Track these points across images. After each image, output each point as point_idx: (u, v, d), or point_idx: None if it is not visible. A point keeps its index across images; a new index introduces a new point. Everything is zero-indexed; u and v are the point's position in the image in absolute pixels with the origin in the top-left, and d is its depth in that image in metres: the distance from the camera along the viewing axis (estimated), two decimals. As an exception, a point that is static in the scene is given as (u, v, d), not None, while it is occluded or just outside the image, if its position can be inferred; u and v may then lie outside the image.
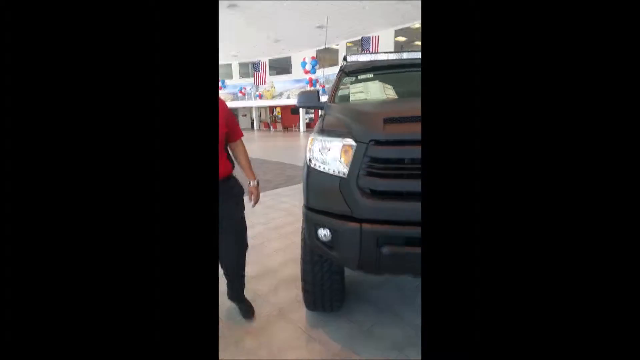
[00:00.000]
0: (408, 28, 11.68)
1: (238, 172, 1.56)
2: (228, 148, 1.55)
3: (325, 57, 12.93)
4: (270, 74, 16.65)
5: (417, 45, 12.06)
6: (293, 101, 16.36)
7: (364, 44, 10.61)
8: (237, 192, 1.55)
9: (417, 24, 11.37)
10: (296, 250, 2.40)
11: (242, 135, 1.60)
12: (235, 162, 1.58)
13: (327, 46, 13.93)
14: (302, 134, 16.65)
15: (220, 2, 8.39)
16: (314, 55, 12.40)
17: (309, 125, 18.08)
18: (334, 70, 13.69)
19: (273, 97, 17.03)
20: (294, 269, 2.09)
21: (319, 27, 11.37)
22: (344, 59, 2.50)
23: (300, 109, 18.10)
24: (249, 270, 1.92)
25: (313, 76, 13.99)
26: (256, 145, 11.25)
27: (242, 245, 1.61)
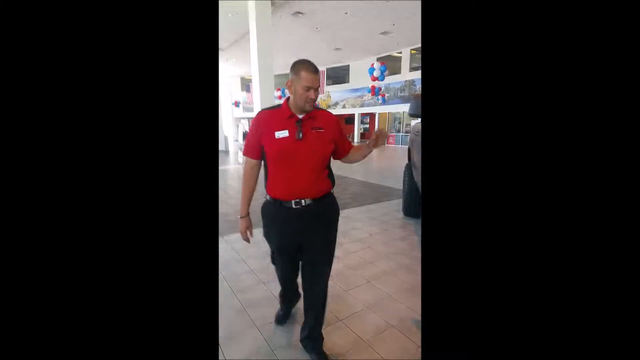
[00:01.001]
0: None
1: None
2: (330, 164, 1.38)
3: (387, 65, 12.26)
4: (326, 84, 16.47)
5: None
6: (349, 111, 16.16)
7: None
8: (334, 209, 1.38)
9: None
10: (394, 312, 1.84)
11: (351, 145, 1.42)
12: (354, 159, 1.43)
13: (389, 54, 13.15)
14: (356, 144, 16.15)
15: (285, 9, 8.30)
16: (374, 63, 11.77)
17: (363, 136, 17.19)
18: (396, 79, 13.05)
19: (328, 106, 16.78)
20: (395, 343, 1.56)
21: (382, 33, 10.74)
22: None
23: (356, 119, 16.48)
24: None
25: (376, 84, 12.96)
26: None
27: (329, 269, 1.42)
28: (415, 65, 12.65)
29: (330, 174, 1.37)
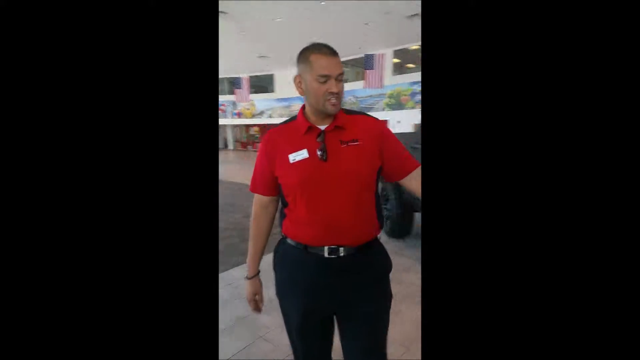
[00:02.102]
0: (405, 49, 11.19)
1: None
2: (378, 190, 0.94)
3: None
4: (250, 92, 15.62)
5: (410, 68, 11.54)
6: (276, 120, 15.35)
7: (367, 63, 9.85)
8: (385, 263, 0.97)
9: (415, 46, 10.90)
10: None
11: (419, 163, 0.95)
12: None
13: None
14: None
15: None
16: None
17: None
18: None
19: (253, 115, 15.91)
20: None
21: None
22: None
23: None
24: None
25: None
26: (237, 168, 10.03)
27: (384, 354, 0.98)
28: (346, 78, 12.96)
29: (379, 206, 0.94)
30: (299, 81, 0.87)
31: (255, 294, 1.03)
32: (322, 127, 0.88)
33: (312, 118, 0.89)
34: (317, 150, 0.86)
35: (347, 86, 12.26)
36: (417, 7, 7.10)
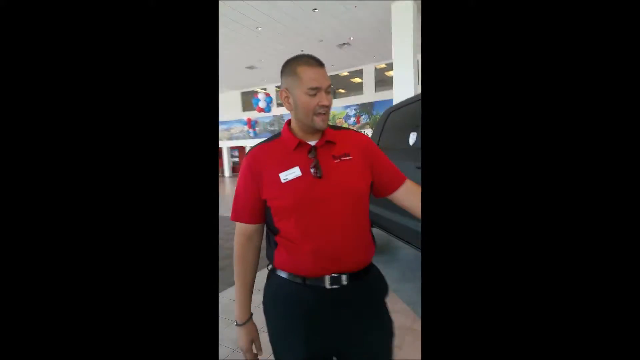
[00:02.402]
0: (337, 75, 11.72)
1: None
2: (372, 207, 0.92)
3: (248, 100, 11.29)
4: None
5: (341, 93, 12.58)
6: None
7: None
8: (383, 287, 0.87)
9: (345, 72, 11.73)
10: None
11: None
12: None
13: (252, 89, 13.11)
14: (227, 179, 14.53)
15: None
16: (258, 94, 10.65)
17: (234, 169, 16.11)
18: (263, 114, 11.70)
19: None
20: None
21: (248, 67, 10.61)
22: None
23: (225, 152, 15.78)
24: None
25: (254, 116, 12.83)
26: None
27: None
28: (280, 102, 12.10)
29: (370, 227, 0.85)
30: (286, 95, 0.78)
31: (252, 342, 0.84)
32: (312, 143, 0.80)
33: (300, 134, 0.80)
34: (310, 167, 0.77)
35: (278, 111, 12.48)
36: (347, 37, 8.68)
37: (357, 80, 11.92)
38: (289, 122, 0.83)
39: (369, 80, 11.46)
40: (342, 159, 0.80)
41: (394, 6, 5.85)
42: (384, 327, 0.83)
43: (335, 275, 0.76)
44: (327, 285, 0.76)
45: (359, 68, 11.40)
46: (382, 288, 0.85)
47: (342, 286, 0.76)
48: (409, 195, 0.86)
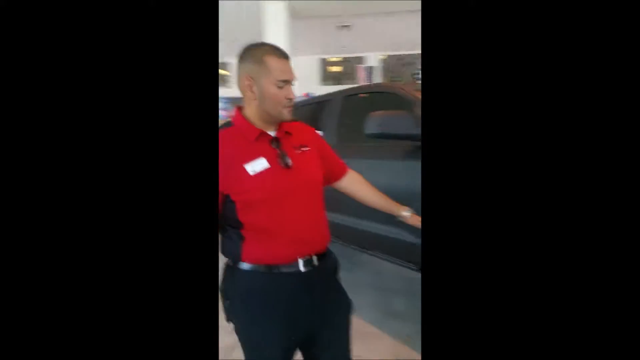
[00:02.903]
0: None
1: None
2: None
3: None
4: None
5: None
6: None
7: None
8: (337, 271, 0.91)
9: None
10: None
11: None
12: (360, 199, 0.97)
13: None
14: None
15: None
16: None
17: None
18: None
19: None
20: None
21: None
22: None
23: None
24: None
25: None
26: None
27: None
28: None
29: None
30: (248, 83, 0.75)
31: None
32: (272, 133, 0.79)
33: (259, 123, 0.78)
34: (278, 157, 0.76)
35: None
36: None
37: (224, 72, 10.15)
38: (239, 109, 0.81)
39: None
40: (302, 149, 0.82)
41: (266, 6, 5.64)
42: (347, 302, 0.89)
43: (307, 258, 0.79)
44: (302, 269, 0.78)
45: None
46: (337, 265, 0.90)
47: (314, 267, 0.80)
48: (355, 183, 0.97)
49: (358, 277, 2.52)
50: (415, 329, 1.83)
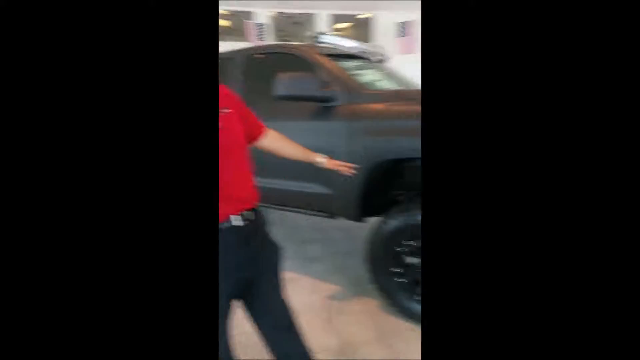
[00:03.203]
0: None
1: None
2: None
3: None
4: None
5: None
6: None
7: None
8: (267, 231, 0.97)
9: None
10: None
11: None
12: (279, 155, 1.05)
13: None
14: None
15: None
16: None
17: None
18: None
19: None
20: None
21: None
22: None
23: None
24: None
25: None
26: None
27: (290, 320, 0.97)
28: None
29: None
30: None
31: None
32: None
33: None
34: None
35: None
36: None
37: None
38: None
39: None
40: (225, 111, 0.84)
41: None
42: (278, 249, 0.99)
43: (244, 213, 0.85)
44: (242, 224, 0.84)
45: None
46: (265, 218, 0.97)
47: (251, 221, 0.87)
48: (276, 140, 1.04)
49: (276, 233, 2.57)
50: (329, 268, 2.18)
